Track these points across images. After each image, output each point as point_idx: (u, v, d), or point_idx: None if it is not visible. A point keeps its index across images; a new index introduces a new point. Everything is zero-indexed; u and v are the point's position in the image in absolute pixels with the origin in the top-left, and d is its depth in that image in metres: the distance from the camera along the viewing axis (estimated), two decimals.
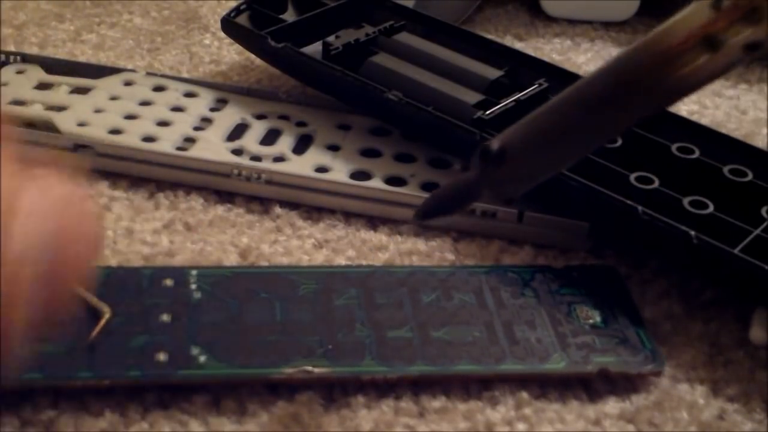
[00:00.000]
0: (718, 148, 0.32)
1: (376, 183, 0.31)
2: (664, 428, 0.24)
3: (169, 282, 0.26)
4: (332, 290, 0.27)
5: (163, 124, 0.34)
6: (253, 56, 0.39)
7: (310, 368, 0.24)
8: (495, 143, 0.24)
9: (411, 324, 0.26)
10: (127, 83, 0.36)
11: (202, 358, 0.24)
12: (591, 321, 0.26)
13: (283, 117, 0.35)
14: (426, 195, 0.31)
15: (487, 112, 0.32)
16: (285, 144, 0.33)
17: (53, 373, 0.23)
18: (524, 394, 0.25)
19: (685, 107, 0.40)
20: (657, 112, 0.23)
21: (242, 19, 0.38)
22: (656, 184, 0.30)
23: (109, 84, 0.36)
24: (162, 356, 0.24)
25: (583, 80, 0.23)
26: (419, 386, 0.25)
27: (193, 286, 0.26)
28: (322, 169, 0.32)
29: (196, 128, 0.34)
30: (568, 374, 0.25)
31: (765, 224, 0.28)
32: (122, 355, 0.24)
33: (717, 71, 0.21)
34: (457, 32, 0.38)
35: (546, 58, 0.38)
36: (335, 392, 0.24)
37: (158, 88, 0.36)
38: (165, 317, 0.25)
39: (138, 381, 0.23)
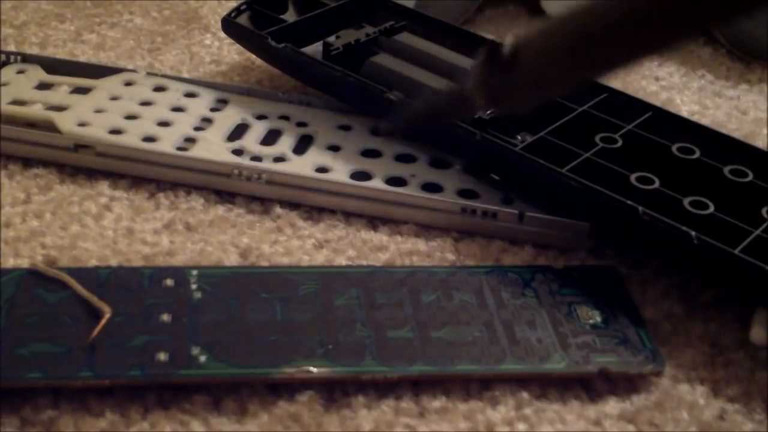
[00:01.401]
0: (718, 149, 0.32)
1: (377, 183, 0.31)
2: (664, 428, 0.24)
3: (169, 282, 0.26)
4: (332, 290, 0.27)
5: (163, 124, 0.34)
6: (253, 56, 0.40)
7: (310, 368, 0.24)
8: (507, 44, 0.21)
9: (411, 324, 0.26)
10: (128, 83, 0.36)
11: (203, 358, 0.24)
12: (591, 321, 0.26)
13: (284, 117, 0.35)
14: (427, 195, 0.31)
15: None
16: (285, 144, 0.33)
17: (53, 373, 0.23)
18: (524, 394, 0.25)
19: (686, 107, 0.40)
20: (690, 36, 0.21)
21: (243, 20, 0.38)
22: (656, 184, 0.30)
23: (110, 84, 0.36)
24: (162, 356, 0.24)
25: None
26: (419, 386, 0.25)
27: (194, 286, 0.26)
28: (322, 170, 0.32)
29: (197, 128, 0.34)
30: (569, 374, 0.25)
31: (765, 224, 0.28)
32: (122, 355, 0.24)
33: None
34: (457, 32, 0.38)
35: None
36: (335, 392, 0.24)
37: (159, 88, 0.36)
38: (165, 317, 0.25)
39: (138, 381, 0.23)
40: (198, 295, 0.26)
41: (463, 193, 0.31)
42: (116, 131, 0.33)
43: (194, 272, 0.27)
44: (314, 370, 0.24)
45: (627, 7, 0.20)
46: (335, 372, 0.24)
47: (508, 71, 0.21)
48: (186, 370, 0.24)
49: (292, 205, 0.32)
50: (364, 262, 0.29)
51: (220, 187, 0.32)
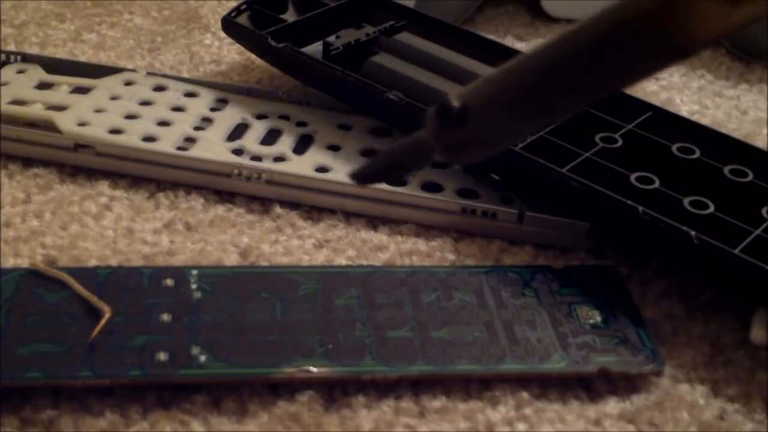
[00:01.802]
0: (718, 148, 0.32)
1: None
2: (664, 428, 0.24)
3: (169, 282, 0.26)
4: (332, 290, 0.27)
5: (163, 123, 0.34)
6: (253, 56, 0.40)
7: (310, 368, 0.24)
8: (456, 100, 0.21)
9: (411, 324, 0.26)
10: (128, 83, 0.36)
11: (203, 358, 0.24)
12: (591, 321, 0.26)
13: (284, 117, 0.35)
14: (426, 195, 0.31)
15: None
16: (285, 144, 0.33)
17: (53, 373, 0.23)
18: (524, 394, 0.25)
19: (686, 107, 0.40)
20: (651, 74, 0.20)
21: (242, 19, 0.38)
22: (656, 184, 0.30)
23: (110, 84, 0.36)
24: (162, 356, 0.24)
25: (570, 29, 0.19)
26: (419, 386, 0.25)
27: (194, 286, 0.26)
28: (322, 169, 0.32)
29: (197, 128, 0.34)
30: (569, 374, 0.25)
31: (765, 224, 0.28)
32: (122, 355, 0.24)
33: (731, 27, 0.18)
34: (458, 32, 0.38)
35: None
36: (335, 392, 0.24)
37: (158, 88, 0.36)
38: (165, 317, 0.25)
39: (138, 380, 0.23)
40: (198, 294, 0.26)
41: (463, 193, 0.31)
42: (116, 131, 0.33)
43: (194, 272, 0.27)
44: (314, 369, 0.24)
45: (558, 58, 0.20)
46: (335, 372, 0.24)
47: (459, 126, 0.21)
48: (186, 370, 0.24)
49: (292, 205, 0.32)
50: (364, 262, 0.29)
51: (220, 186, 0.32)
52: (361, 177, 0.25)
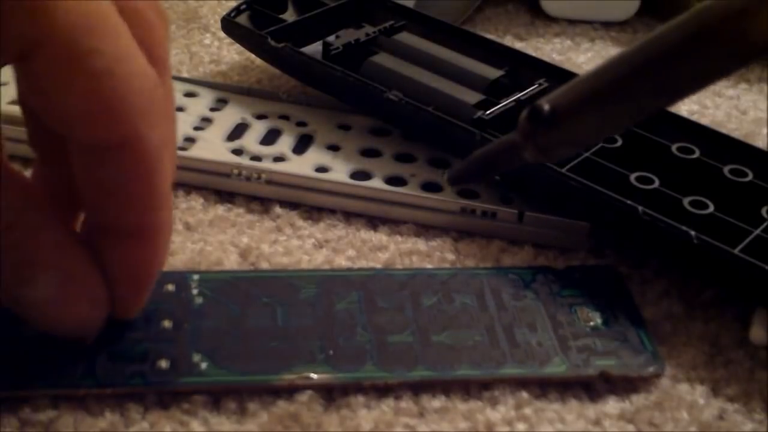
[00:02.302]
0: (718, 148, 0.32)
1: (376, 183, 0.31)
2: (664, 428, 0.24)
3: (170, 287, 0.26)
4: (333, 294, 0.26)
5: None
6: (253, 56, 0.39)
7: (311, 375, 0.24)
8: (546, 103, 0.22)
9: (412, 328, 0.26)
10: None
11: (204, 365, 0.24)
12: (592, 323, 0.26)
13: (283, 117, 0.35)
14: (426, 195, 0.31)
15: (487, 112, 0.32)
16: (285, 144, 0.33)
17: (54, 382, 0.23)
18: (524, 394, 0.25)
19: (685, 107, 0.40)
20: (731, 72, 0.22)
21: (242, 19, 0.38)
22: (656, 184, 0.30)
23: None
24: (164, 363, 0.24)
25: (651, 35, 0.21)
26: (419, 387, 0.25)
27: (195, 291, 0.26)
28: (322, 169, 0.32)
29: (196, 128, 0.34)
30: (569, 378, 0.25)
31: (765, 224, 0.28)
32: (124, 363, 0.24)
33: None
34: (457, 32, 0.38)
35: (546, 58, 0.38)
36: (335, 392, 0.24)
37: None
38: (167, 323, 0.25)
39: (140, 389, 0.23)
40: (199, 300, 0.26)
41: (463, 193, 0.31)
42: None
43: (195, 277, 0.27)
44: (314, 376, 0.24)
45: (643, 61, 0.21)
46: (336, 378, 0.24)
47: (549, 128, 0.23)
48: (187, 378, 0.24)
49: (292, 205, 0.32)
50: (364, 262, 0.29)
51: (220, 186, 0.32)
52: (455, 178, 0.27)
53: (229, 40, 0.40)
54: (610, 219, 0.29)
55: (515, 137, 0.24)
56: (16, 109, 0.34)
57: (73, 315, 0.23)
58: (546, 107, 0.22)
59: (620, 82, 0.22)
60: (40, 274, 0.21)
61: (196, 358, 0.24)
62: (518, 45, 0.45)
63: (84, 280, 0.22)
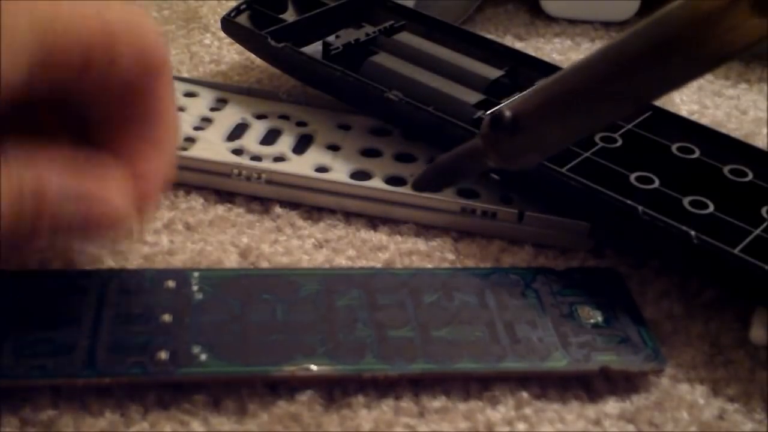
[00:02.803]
0: (718, 148, 0.32)
1: (376, 183, 0.31)
2: (664, 428, 0.24)
3: (170, 283, 0.26)
4: (334, 291, 0.27)
5: None
6: (253, 56, 0.39)
7: (310, 366, 0.24)
8: (507, 110, 0.23)
9: (412, 324, 0.26)
10: None
11: (203, 357, 0.24)
12: (592, 320, 0.26)
13: (283, 117, 0.35)
14: (426, 195, 0.31)
15: (487, 112, 0.32)
16: (285, 144, 0.33)
17: (54, 372, 0.23)
18: (524, 394, 0.25)
19: (685, 107, 0.40)
20: (690, 80, 0.22)
21: (242, 19, 0.38)
22: (656, 184, 0.30)
23: None
24: (163, 354, 0.24)
25: (611, 43, 0.21)
26: (419, 386, 0.25)
27: (195, 288, 0.26)
28: (322, 169, 0.32)
29: (196, 128, 0.34)
30: (570, 372, 0.25)
31: (765, 224, 0.28)
32: (123, 354, 0.24)
33: (759, 38, 0.19)
34: (457, 32, 0.38)
35: (546, 58, 0.38)
36: (335, 392, 0.24)
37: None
38: (166, 317, 0.25)
39: (139, 379, 0.23)
40: (199, 296, 0.26)
41: (463, 193, 0.31)
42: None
43: (196, 274, 0.27)
44: (314, 368, 0.24)
45: (602, 69, 0.21)
46: (336, 370, 0.24)
47: (511, 135, 0.23)
48: (186, 369, 0.24)
49: (292, 205, 0.32)
50: (364, 262, 0.29)
51: (220, 186, 0.32)
52: (419, 184, 0.27)
53: (229, 40, 0.40)
54: (610, 219, 0.29)
55: (478, 143, 0.24)
56: None
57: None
58: (507, 114, 0.23)
59: (582, 90, 0.22)
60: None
61: (196, 349, 0.24)
62: (518, 45, 0.45)
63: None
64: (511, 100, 0.23)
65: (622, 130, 0.32)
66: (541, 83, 0.23)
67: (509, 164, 0.24)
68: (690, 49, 0.20)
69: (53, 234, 0.22)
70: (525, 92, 0.23)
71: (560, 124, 0.23)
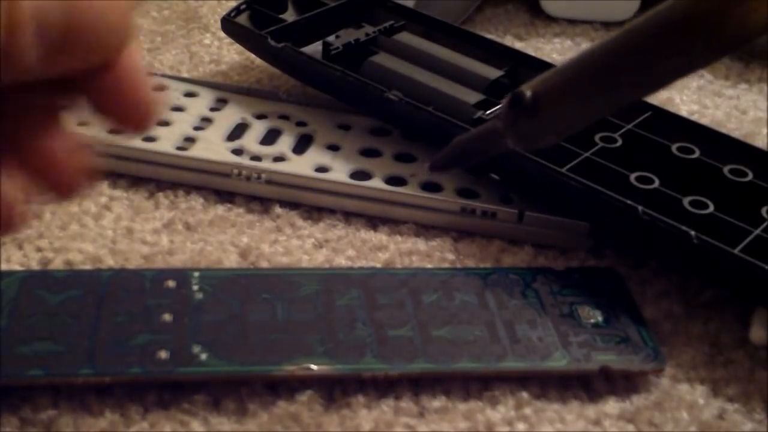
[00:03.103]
0: (718, 148, 0.32)
1: (376, 183, 0.31)
2: (664, 428, 0.24)
3: (171, 283, 0.26)
4: (333, 291, 0.27)
5: (163, 123, 0.34)
6: (253, 56, 0.39)
7: (310, 366, 0.24)
8: (528, 90, 0.23)
9: (412, 323, 0.26)
10: None
11: (203, 356, 0.24)
12: (592, 320, 0.26)
13: (283, 117, 0.35)
14: (426, 195, 0.31)
15: (487, 112, 0.32)
16: (285, 144, 0.33)
17: (54, 371, 0.23)
18: (524, 394, 0.25)
19: (685, 107, 0.40)
20: (708, 63, 0.22)
21: (242, 19, 0.38)
22: (656, 184, 0.30)
23: None
24: (163, 354, 0.24)
25: (631, 24, 0.22)
26: (419, 386, 0.25)
27: (195, 287, 0.26)
28: (322, 169, 0.32)
29: (196, 128, 0.34)
30: (570, 372, 0.25)
31: (765, 224, 0.28)
32: (123, 353, 0.24)
33: None
34: (457, 32, 0.38)
35: (546, 58, 0.38)
36: (335, 392, 0.24)
37: (158, 88, 0.36)
38: (167, 317, 0.25)
39: (139, 378, 0.23)
40: (199, 296, 0.26)
41: (463, 193, 0.31)
42: (116, 131, 0.33)
43: (196, 274, 0.27)
44: (314, 367, 0.24)
45: (623, 50, 0.22)
46: (336, 369, 0.24)
47: (531, 117, 0.23)
48: (186, 368, 0.24)
49: (292, 205, 0.32)
50: (364, 262, 0.29)
51: (220, 186, 0.32)
52: (437, 165, 0.27)
53: (229, 40, 0.40)
54: (610, 219, 0.29)
55: (497, 124, 0.24)
56: None
57: None
58: (528, 94, 0.23)
59: (602, 70, 0.22)
60: None
61: (196, 349, 0.24)
62: (518, 45, 0.45)
63: None
64: (529, 82, 0.23)
65: (622, 130, 0.32)
66: (560, 65, 0.23)
67: (527, 145, 0.24)
68: (711, 30, 0.20)
69: None
70: (544, 73, 0.23)
71: (580, 104, 0.23)
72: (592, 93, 0.22)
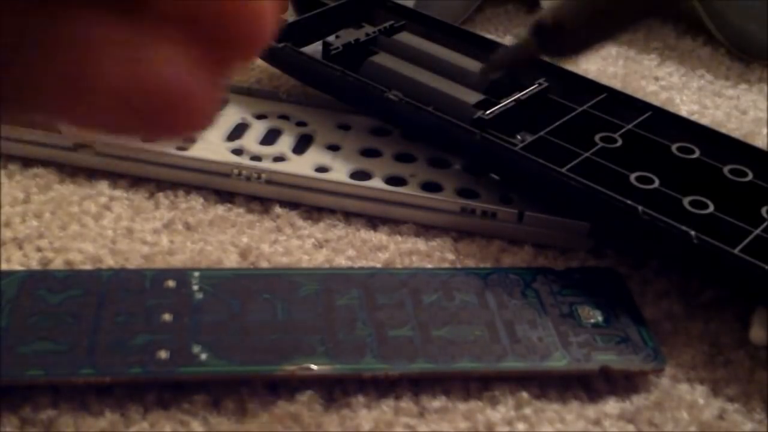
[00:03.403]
0: (718, 148, 0.32)
1: (376, 183, 0.31)
2: (664, 428, 0.24)
3: (171, 283, 0.26)
4: (333, 291, 0.27)
5: None
6: None
7: (311, 366, 0.24)
8: (549, 18, 0.26)
9: (412, 323, 0.26)
10: None
11: (203, 356, 0.24)
12: (593, 320, 0.26)
13: (283, 117, 0.35)
14: (426, 195, 0.31)
15: (487, 112, 0.32)
16: (285, 144, 0.33)
17: (55, 371, 0.23)
18: (524, 394, 0.25)
19: (685, 107, 0.40)
20: None
21: None
22: (656, 184, 0.30)
23: None
24: (163, 354, 0.24)
25: None
26: (419, 386, 0.25)
27: (195, 287, 0.26)
28: (322, 169, 0.32)
29: None
30: (570, 372, 0.25)
31: (765, 224, 0.28)
32: (124, 353, 0.24)
33: None
34: (457, 32, 0.38)
35: (546, 58, 0.38)
36: (335, 392, 0.24)
37: None
38: (167, 317, 0.25)
39: (139, 378, 0.23)
40: (199, 296, 0.26)
41: (463, 193, 0.31)
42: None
43: (196, 274, 0.27)
44: (315, 367, 0.24)
45: None
46: (336, 369, 0.24)
47: (556, 39, 0.26)
48: (187, 368, 0.24)
49: (292, 205, 0.32)
50: (364, 262, 0.29)
51: (220, 186, 0.32)
52: (490, 67, 0.30)
53: None
54: (610, 219, 0.29)
55: (529, 44, 0.27)
56: None
57: None
58: (549, 23, 0.25)
59: None
60: None
61: (196, 349, 0.24)
62: None
63: None
64: (545, 10, 0.26)
65: (622, 130, 0.32)
66: None
67: (559, 56, 0.28)
68: None
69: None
70: (554, 2, 0.27)
71: (600, 22, 0.25)
72: (608, 13, 0.25)
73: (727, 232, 0.27)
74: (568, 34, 0.26)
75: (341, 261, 0.29)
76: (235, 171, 0.31)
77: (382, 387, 0.24)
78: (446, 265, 0.29)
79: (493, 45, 0.37)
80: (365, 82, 0.33)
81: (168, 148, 0.32)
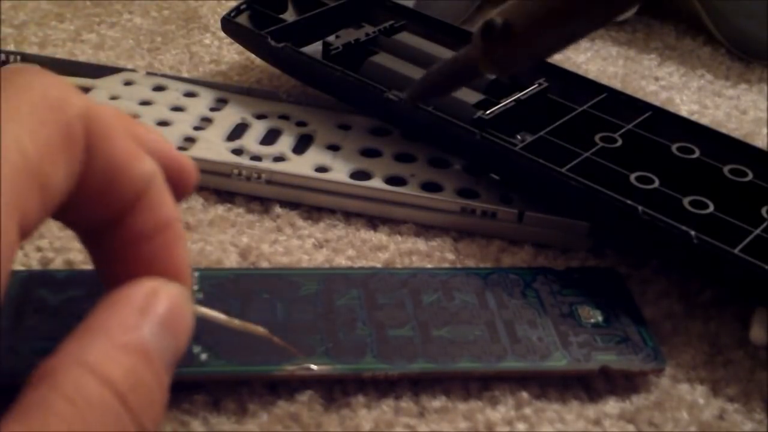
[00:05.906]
0: (718, 148, 0.32)
1: (376, 183, 0.31)
2: (664, 428, 0.24)
3: None
4: (333, 291, 0.27)
5: (163, 123, 0.34)
6: (253, 56, 0.39)
7: (311, 366, 0.24)
8: (498, 18, 0.24)
9: (412, 323, 0.26)
10: (127, 83, 0.36)
11: (204, 356, 0.24)
12: (593, 320, 0.26)
13: (283, 117, 0.35)
14: (426, 195, 0.31)
15: (487, 112, 0.32)
16: (285, 144, 0.33)
17: None
18: (524, 394, 0.25)
19: (685, 107, 0.40)
20: None
21: (242, 19, 0.38)
22: (656, 184, 0.30)
23: (109, 83, 0.36)
24: None
25: None
26: (419, 386, 0.25)
27: (195, 287, 0.26)
28: (322, 169, 0.32)
29: (196, 128, 0.34)
30: (570, 372, 0.25)
31: (765, 224, 0.28)
32: None
33: None
34: (457, 32, 0.38)
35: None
36: (335, 392, 0.24)
37: (158, 88, 0.36)
38: None
39: None
40: (199, 296, 0.26)
41: (463, 193, 0.31)
42: None
43: (196, 274, 0.27)
44: (314, 367, 0.24)
45: None
46: (336, 369, 0.24)
47: (504, 42, 0.24)
48: (187, 368, 0.24)
49: (292, 205, 0.32)
50: (364, 262, 0.29)
51: (220, 186, 0.32)
52: (413, 96, 0.27)
53: (229, 40, 0.40)
54: (610, 219, 0.29)
55: (471, 52, 0.25)
56: None
57: None
58: (498, 22, 0.23)
59: None
60: None
61: (197, 349, 0.24)
62: None
63: None
64: (499, 8, 0.24)
65: (622, 130, 0.32)
66: None
67: (502, 70, 0.25)
68: None
69: None
70: (507, 2, 0.24)
71: (551, 29, 0.23)
72: (567, 14, 0.23)
73: (727, 232, 0.27)
74: (517, 36, 0.23)
75: (341, 261, 0.29)
76: (235, 171, 0.31)
77: (382, 387, 0.24)
78: (446, 265, 0.29)
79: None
80: (365, 82, 0.33)
81: None
